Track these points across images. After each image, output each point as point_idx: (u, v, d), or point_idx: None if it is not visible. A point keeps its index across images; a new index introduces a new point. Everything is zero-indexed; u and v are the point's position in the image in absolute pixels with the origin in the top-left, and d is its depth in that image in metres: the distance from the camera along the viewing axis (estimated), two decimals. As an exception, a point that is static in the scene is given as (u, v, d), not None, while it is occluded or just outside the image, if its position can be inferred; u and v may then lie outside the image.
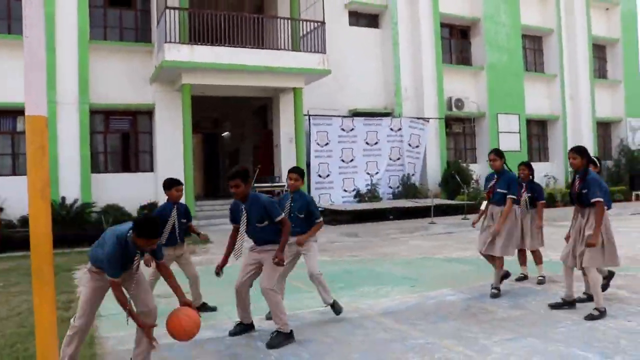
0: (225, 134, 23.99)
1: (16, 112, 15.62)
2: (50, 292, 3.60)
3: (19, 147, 15.88)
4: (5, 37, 15.36)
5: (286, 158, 17.95)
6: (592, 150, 24.63)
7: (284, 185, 17.19)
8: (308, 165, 17.81)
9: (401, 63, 20.39)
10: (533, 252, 7.36)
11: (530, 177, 7.45)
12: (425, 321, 5.50)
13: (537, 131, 24.70)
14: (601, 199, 5.51)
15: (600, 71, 26.90)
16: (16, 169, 15.81)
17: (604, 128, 26.67)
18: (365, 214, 16.97)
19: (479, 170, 21.19)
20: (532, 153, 24.05)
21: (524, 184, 7.30)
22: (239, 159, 22.28)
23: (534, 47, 24.80)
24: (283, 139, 18.18)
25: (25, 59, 3.65)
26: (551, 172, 23.36)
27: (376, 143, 19.01)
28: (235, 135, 23.20)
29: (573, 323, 5.27)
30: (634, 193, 22.66)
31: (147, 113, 17.20)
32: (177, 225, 6.02)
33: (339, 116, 18.62)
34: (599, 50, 26.84)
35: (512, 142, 22.50)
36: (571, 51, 24.84)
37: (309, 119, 17.89)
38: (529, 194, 7.31)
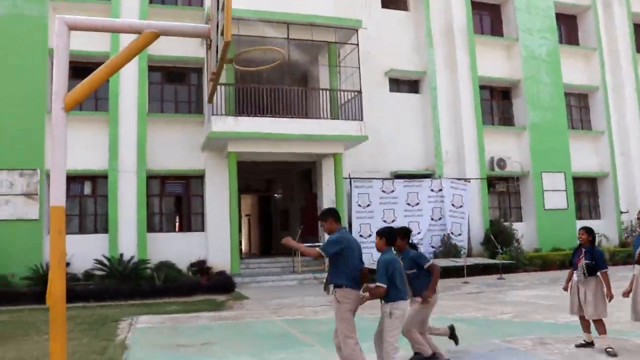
0: (277, 195, 25.27)
1: (83, 177, 17.50)
2: (62, 338, 4.63)
3: (86, 209, 17.66)
4: (75, 114, 17.32)
5: (328, 219, 18.84)
6: (647, 208, 24.25)
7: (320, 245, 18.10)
8: (350, 225, 18.66)
9: (441, 126, 21.17)
10: (595, 321, 7.10)
11: (590, 241, 7.27)
12: None
13: (586, 188, 24.57)
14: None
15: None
16: (82, 228, 17.54)
17: (660, 183, 26.12)
18: (405, 273, 17.47)
19: (522, 229, 21.34)
20: (581, 211, 23.90)
21: (583, 250, 7.27)
22: (289, 219, 23.42)
23: (579, 104, 24.96)
24: (326, 200, 19.16)
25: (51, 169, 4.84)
26: (602, 229, 23.06)
27: (417, 204, 19.65)
28: (286, 196, 24.44)
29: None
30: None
31: (199, 177, 18.68)
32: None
33: (379, 179, 19.47)
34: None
35: (558, 200, 22.53)
36: (618, 107, 24.72)
37: (351, 182, 18.85)
38: (587, 261, 7.13)
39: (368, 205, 18.98)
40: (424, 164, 21.23)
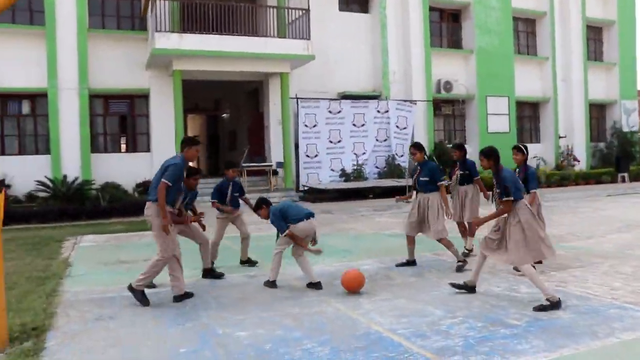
0: (224, 115, 25.09)
1: (20, 95, 16.94)
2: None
3: (25, 129, 17.21)
4: (8, 27, 16.53)
5: (275, 139, 19.01)
6: (584, 132, 25.30)
7: (271, 165, 18.34)
8: (297, 146, 18.89)
9: (389, 47, 21.18)
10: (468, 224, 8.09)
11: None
12: (329, 285, 6.56)
13: (528, 113, 25.34)
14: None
15: (596, 53, 27.28)
16: (22, 149, 17.15)
17: (598, 110, 27.18)
18: (350, 192, 18.03)
19: (468, 150, 21.89)
20: (523, 134, 24.76)
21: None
22: (236, 140, 23.42)
23: (526, 29, 25.30)
24: (272, 121, 19.22)
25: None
26: (541, 154, 24.04)
27: (363, 125, 19.95)
28: (233, 117, 24.28)
29: (450, 289, 6.24)
30: (619, 175, 23.29)
31: (144, 96, 18.33)
32: (231, 197, 7.79)
33: (326, 99, 19.58)
34: (595, 32, 27.19)
35: (501, 123, 23.22)
36: (565, 34, 25.25)
37: (297, 102, 18.90)
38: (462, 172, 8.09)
39: (315, 126, 19.16)
40: (371, 85, 21.36)
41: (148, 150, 18.29)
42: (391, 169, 20.09)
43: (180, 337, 4.78)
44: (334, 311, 5.47)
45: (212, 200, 7.79)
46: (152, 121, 18.04)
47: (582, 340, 4.41)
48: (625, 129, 26.43)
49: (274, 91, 19.18)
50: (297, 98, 18.89)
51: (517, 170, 7.09)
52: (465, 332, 4.67)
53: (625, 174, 23.36)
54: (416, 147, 7.53)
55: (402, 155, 20.48)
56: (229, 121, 24.84)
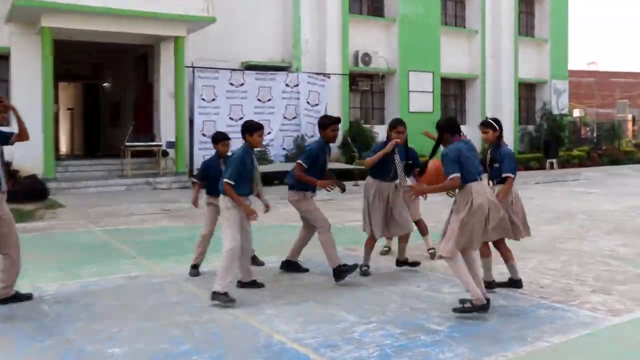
0: (106, 84, 24.13)
1: None
2: None
3: None
4: None
5: (166, 115, 18.43)
6: (512, 114, 26.23)
7: (160, 145, 17.80)
8: (192, 122, 18.41)
9: (302, 12, 20.97)
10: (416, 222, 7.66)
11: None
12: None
13: (454, 91, 26.04)
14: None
15: (527, 28, 28.36)
16: None
17: (527, 90, 28.34)
18: (253, 177, 17.77)
19: (383, 132, 22.20)
20: (447, 114, 25.38)
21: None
22: (120, 114, 22.56)
23: (454, -1, 25.91)
24: (163, 93, 18.60)
25: None
26: (467, 136, 24.71)
27: (270, 100, 19.72)
28: (117, 86, 23.36)
29: (365, 289, 6.26)
30: (548, 161, 24.46)
31: (3, 58, 17.17)
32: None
33: (227, 69, 19.18)
34: (527, 5, 28.25)
35: (424, 102, 23.64)
36: (495, 5, 25.97)
37: (194, 72, 18.38)
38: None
39: (213, 100, 18.75)
40: (280, 54, 21.14)
41: (7, 123, 17.15)
42: (300, 151, 19.96)
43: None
44: (231, 318, 5.31)
45: (195, 181, 7.61)
46: (12, 88, 16.91)
47: (510, 346, 4.51)
48: (555, 112, 27.66)
49: (166, 58, 18.51)
50: (194, 67, 18.38)
51: (489, 150, 6.38)
52: (381, 340, 4.65)
53: (554, 160, 24.54)
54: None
55: (312, 136, 20.41)
56: (112, 92, 23.91)
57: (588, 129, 33.60)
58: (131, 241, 9.31)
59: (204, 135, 18.53)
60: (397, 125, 6.79)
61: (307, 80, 20.44)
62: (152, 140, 18.11)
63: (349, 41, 21.88)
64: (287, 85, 20.03)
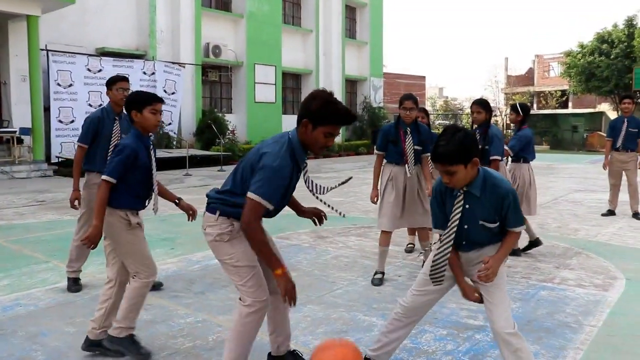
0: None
1: None
2: None
3: None
4: None
5: (18, 100, 15.60)
6: (340, 106, 26.26)
7: (14, 132, 15.05)
8: (47, 109, 15.77)
9: (157, 2, 19.00)
10: None
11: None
12: (192, 292, 5.02)
13: (292, 84, 25.47)
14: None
15: (351, 31, 28.65)
16: None
17: (351, 85, 28.69)
18: (115, 164, 15.67)
19: (235, 120, 21.16)
20: (286, 105, 24.74)
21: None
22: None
23: (292, 0, 25.24)
24: (14, 76, 15.71)
25: None
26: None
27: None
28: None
29: (349, 284, 5.25)
30: (375, 147, 24.83)
31: None
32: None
33: (84, 54, 16.72)
34: (351, 12, 28.51)
35: (268, 93, 22.83)
36: (327, 9, 25.86)
37: (48, 55, 15.72)
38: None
39: (70, 85, 16.24)
40: (135, 42, 18.96)
41: None
42: (158, 138, 18.14)
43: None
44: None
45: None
46: None
47: (564, 333, 3.81)
48: (374, 105, 28.35)
49: (17, 39, 15.63)
50: (48, 50, 15.71)
51: (477, 130, 5.60)
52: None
53: (380, 147, 24.99)
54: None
55: (169, 124, 18.68)
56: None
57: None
58: (24, 240, 7.30)
59: (61, 122, 16.04)
60: (404, 100, 5.23)
61: (163, 69, 18.53)
62: (5, 127, 15.21)
63: (202, 33, 20.25)
64: (144, 73, 17.97)
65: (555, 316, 4.35)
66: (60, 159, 15.73)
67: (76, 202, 5.06)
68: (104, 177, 3.45)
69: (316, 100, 2.81)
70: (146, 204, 3.74)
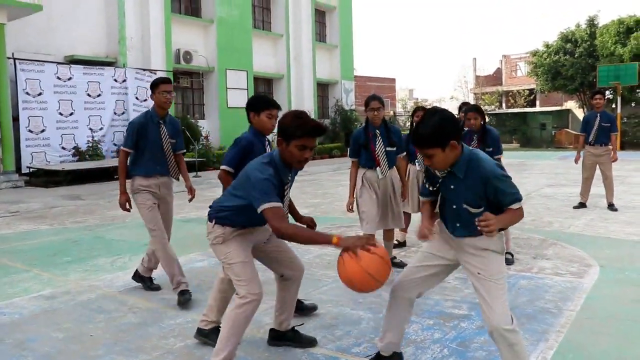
0: None
1: None
2: None
3: None
4: None
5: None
6: (312, 109, 26.40)
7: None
8: (16, 118, 15.53)
9: (127, 8, 18.85)
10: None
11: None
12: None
13: (264, 88, 25.50)
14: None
15: (321, 35, 28.78)
16: None
17: (322, 89, 28.80)
18: (88, 174, 15.51)
19: (208, 126, 21.12)
20: (259, 110, 24.73)
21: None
22: None
23: (262, 4, 25.28)
24: (-20, 85, 15.43)
25: None
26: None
27: (99, 95, 17.42)
28: None
29: (334, 280, 5.28)
30: (348, 149, 24.97)
31: None
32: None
33: (53, 62, 16.52)
34: (320, 16, 28.64)
35: (240, 98, 22.76)
36: (296, 13, 25.97)
37: (15, 63, 15.49)
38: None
39: (40, 94, 16.02)
40: (105, 49, 18.80)
41: None
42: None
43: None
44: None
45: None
46: None
47: (544, 319, 3.94)
48: (346, 107, 28.52)
49: (-18, 48, 15.37)
50: (15, 58, 15.48)
51: (475, 135, 5.67)
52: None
53: (354, 149, 25.14)
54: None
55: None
56: None
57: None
58: (1, 251, 7.27)
59: (31, 131, 15.81)
60: (370, 101, 5.24)
61: (134, 76, 18.42)
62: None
63: (172, 39, 20.17)
64: (115, 80, 17.84)
65: (536, 303, 4.51)
66: (31, 170, 15.50)
67: (127, 205, 5.04)
68: (222, 166, 4.03)
69: (286, 118, 3.12)
70: None
